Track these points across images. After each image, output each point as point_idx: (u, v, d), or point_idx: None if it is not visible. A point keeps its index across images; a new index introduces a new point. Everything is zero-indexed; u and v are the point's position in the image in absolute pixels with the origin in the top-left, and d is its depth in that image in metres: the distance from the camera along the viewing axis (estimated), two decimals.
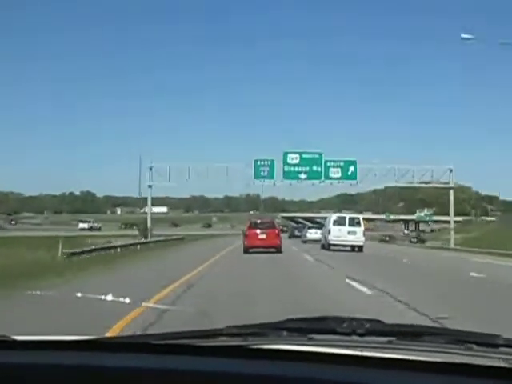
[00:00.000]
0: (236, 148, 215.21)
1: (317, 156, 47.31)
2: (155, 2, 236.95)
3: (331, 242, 31.48)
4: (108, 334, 5.50)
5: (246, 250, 26.37)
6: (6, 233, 58.23)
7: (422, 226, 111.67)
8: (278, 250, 26.35)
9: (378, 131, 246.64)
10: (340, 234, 31.44)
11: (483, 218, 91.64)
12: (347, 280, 13.03)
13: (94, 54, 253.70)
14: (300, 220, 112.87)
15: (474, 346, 1.51)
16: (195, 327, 1.73)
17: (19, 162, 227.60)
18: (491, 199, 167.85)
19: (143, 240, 39.22)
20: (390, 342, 1.55)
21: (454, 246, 45.75)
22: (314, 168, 46.83)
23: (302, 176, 47.13)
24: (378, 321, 1.70)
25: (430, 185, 51.29)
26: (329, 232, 32.02)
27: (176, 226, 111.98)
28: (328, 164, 47.11)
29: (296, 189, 71.58)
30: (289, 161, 47.01)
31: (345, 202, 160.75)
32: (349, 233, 31.37)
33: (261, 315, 6.67)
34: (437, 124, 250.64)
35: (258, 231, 27.29)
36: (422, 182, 52.32)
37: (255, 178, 47.37)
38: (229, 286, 11.92)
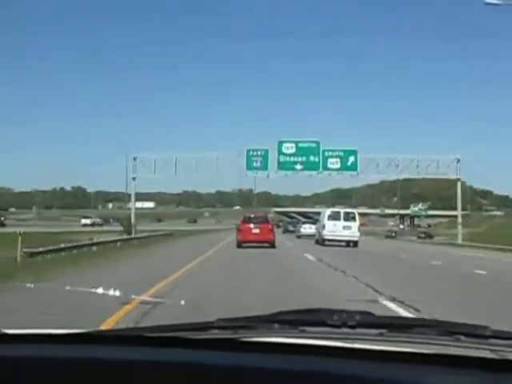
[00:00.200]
0: (227, 138, 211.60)
1: (314, 145, 43.31)
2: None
3: (326, 238, 31.09)
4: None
5: (240, 245, 26.26)
6: None
7: (416, 221, 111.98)
8: (272, 245, 26.28)
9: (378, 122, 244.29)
10: (335, 229, 30.74)
11: (489, 212, 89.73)
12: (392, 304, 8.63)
13: (93, 53, 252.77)
14: (293, 215, 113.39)
15: (463, 338, 1.51)
16: (187, 320, 1.69)
17: (10, 158, 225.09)
18: (485, 194, 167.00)
19: (125, 236, 35.83)
20: (380, 334, 1.54)
21: (462, 241, 42.71)
22: (311, 158, 42.96)
23: (298, 167, 43.23)
24: (369, 313, 1.67)
25: (433, 176, 48.38)
26: (323, 227, 31.37)
27: (160, 221, 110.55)
28: (326, 154, 43.22)
29: (291, 181, 68.51)
30: (284, 150, 43.03)
31: (338, 197, 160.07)
32: (344, 228, 30.84)
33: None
34: (433, 118, 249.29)
35: (252, 226, 27.12)
36: (425, 174, 49.26)
37: (248, 169, 43.53)
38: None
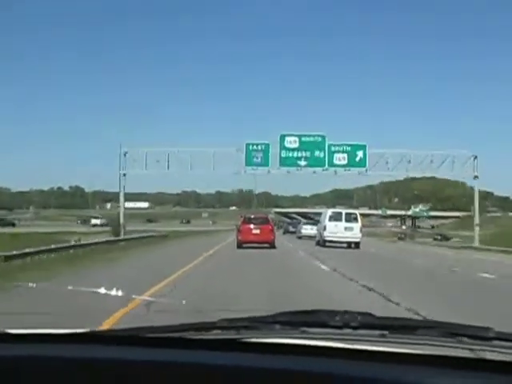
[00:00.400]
0: (226, 136, 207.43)
1: (319, 139, 39.52)
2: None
3: (327, 239, 30.54)
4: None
5: (240, 245, 26.35)
6: None
7: (417, 222, 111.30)
8: (272, 246, 26.45)
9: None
10: (336, 230, 30.20)
11: (491, 213, 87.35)
12: None
13: (93, 52, 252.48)
14: (294, 216, 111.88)
15: (466, 339, 1.51)
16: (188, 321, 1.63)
17: (7, 158, 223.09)
18: (486, 195, 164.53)
19: (112, 238, 32.48)
20: (382, 336, 1.54)
21: (479, 244, 39.42)
22: (316, 153, 39.21)
23: (302, 163, 39.40)
24: (370, 314, 1.67)
25: (446, 176, 45.23)
26: (324, 228, 30.87)
27: (151, 221, 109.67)
28: (332, 149, 39.39)
29: (294, 178, 65.07)
30: (286, 145, 39.33)
31: (339, 198, 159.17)
32: (346, 229, 30.27)
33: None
34: (435, 118, 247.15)
35: (252, 226, 27.29)
36: (435, 173, 46.16)
37: (247, 165, 39.61)
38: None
